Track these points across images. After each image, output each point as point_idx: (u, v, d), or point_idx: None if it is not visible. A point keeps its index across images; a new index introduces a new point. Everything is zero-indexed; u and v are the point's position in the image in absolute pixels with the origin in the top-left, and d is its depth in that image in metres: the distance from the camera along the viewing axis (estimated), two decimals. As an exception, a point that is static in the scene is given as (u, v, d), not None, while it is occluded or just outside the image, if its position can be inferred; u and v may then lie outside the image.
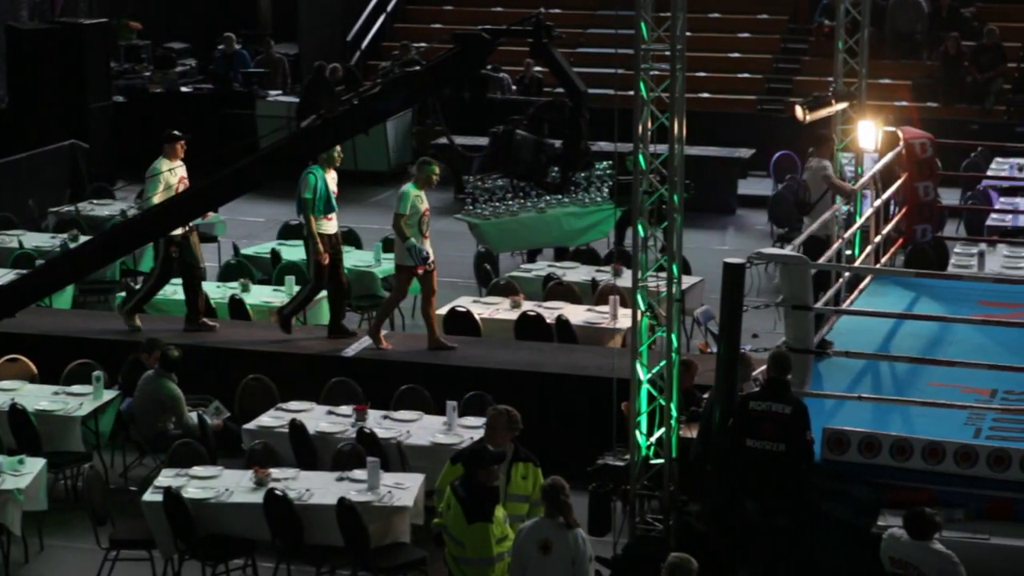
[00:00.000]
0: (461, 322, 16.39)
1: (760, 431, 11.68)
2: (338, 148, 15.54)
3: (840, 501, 11.73)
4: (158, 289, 16.20)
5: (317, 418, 13.98)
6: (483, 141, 16.55)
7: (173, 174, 15.72)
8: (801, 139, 22.74)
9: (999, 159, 22.95)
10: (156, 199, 15.57)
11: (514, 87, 26.73)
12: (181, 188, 15.80)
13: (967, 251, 18.28)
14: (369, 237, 20.06)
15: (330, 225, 15.57)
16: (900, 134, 17.18)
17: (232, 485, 12.65)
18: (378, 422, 13.85)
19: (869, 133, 16.95)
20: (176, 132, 15.95)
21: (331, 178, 15.47)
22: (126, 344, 15.46)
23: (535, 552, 10.39)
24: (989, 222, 20.02)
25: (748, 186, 24.55)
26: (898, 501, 11.40)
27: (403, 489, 12.48)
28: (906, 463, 11.68)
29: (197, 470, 12.90)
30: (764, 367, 12.28)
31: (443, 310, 16.69)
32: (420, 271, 15.10)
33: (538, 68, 25.52)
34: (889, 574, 10.85)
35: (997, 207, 20.72)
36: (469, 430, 13.49)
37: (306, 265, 15.85)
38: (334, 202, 15.55)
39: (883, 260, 16.19)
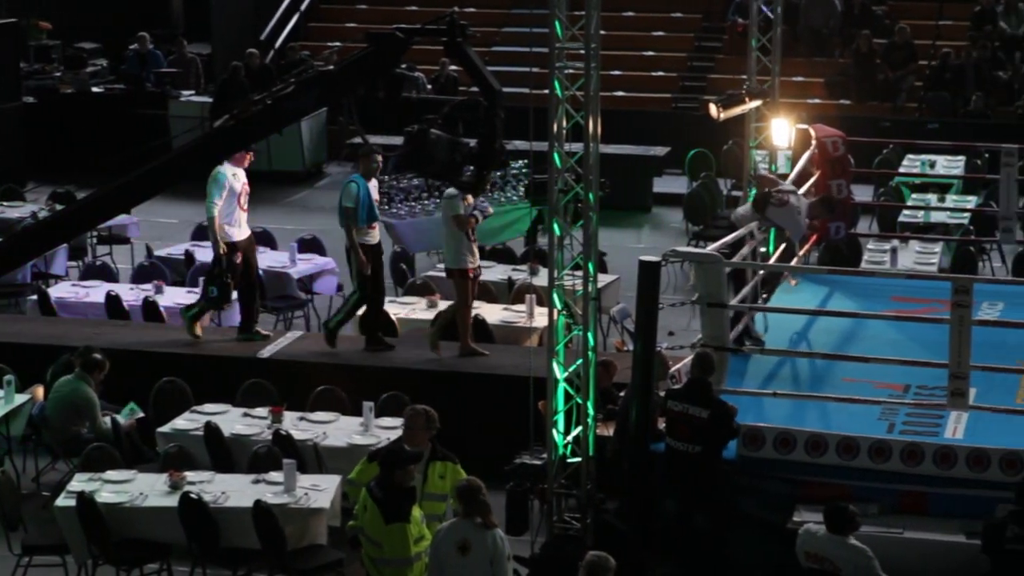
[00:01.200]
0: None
1: (677, 432, 11.74)
2: (379, 159, 15.30)
3: (756, 497, 11.80)
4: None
5: (232, 420, 13.87)
6: (398, 140, 16.48)
7: (236, 179, 15.43)
8: (716, 137, 22.94)
9: (911, 156, 23.15)
10: (217, 205, 15.27)
11: (429, 86, 26.67)
12: (244, 195, 15.47)
13: (880, 248, 18.44)
14: (284, 238, 19.95)
15: (373, 235, 15.30)
16: (812, 132, 17.30)
17: (146, 489, 12.52)
18: (294, 424, 13.76)
19: (782, 131, 17.06)
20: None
21: (372, 187, 15.22)
22: (39, 348, 15.31)
23: (453, 552, 10.37)
24: (901, 218, 20.20)
25: (663, 184, 24.64)
26: (813, 497, 11.48)
27: (320, 491, 12.40)
28: (821, 459, 11.77)
29: (111, 474, 12.76)
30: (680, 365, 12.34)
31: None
32: (471, 275, 14.95)
33: (453, 67, 25.48)
34: (805, 569, 10.91)
35: (909, 204, 20.91)
36: (386, 430, 13.43)
37: (352, 275, 15.45)
38: (376, 211, 15.34)
39: (795, 257, 16.26)
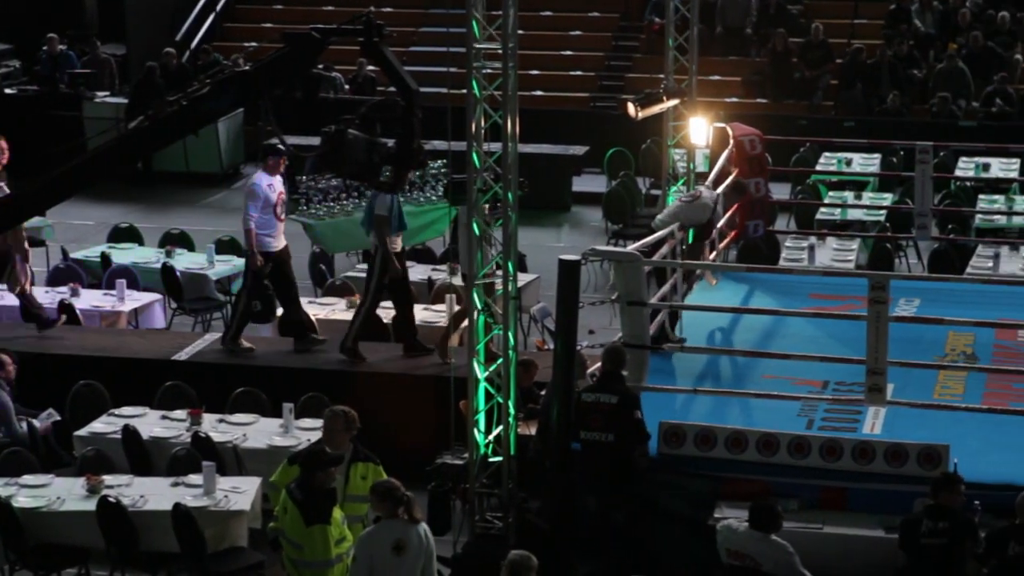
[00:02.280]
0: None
1: (590, 423, 11.78)
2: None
3: (677, 494, 11.84)
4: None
5: (151, 423, 13.77)
6: (315, 141, 16.39)
7: (272, 189, 15.21)
8: (634, 136, 23.02)
9: (827, 154, 23.33)
10: (253, 217, 14.99)
11: (347, 86, 26.60)
12: (280, 204, 15.24)
13: (798, 245, 18.57)
14: (202, 239, 19.82)
15: (398, 244, 15.18)
16: (730, 131, 17.39)
17: (64, 493, 12.41)
18: (213, 426, 13.68)
19: (700, 129, 17.13)
20: (276, 145, 15.37)
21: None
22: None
23: (388, 554, 10.25)
24: (819, 216, 20.35)
25: (582, 183, 24.67)
26: (734, 493, 11.53)
27: (240, 493, 12.34)
28: (741, 455, 11.83)
29: (27, 479, 12.64)
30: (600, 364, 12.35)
31: (279, 311, 16.52)
32: None
33: (371, 67, 25.41)
34: (726, 566, 10.96)
35: (826, 201, 21.07)
36: (306, 432, 13.38)
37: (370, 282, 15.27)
38: (405, 220, 15.25)
39: (714, 255, 16.33)
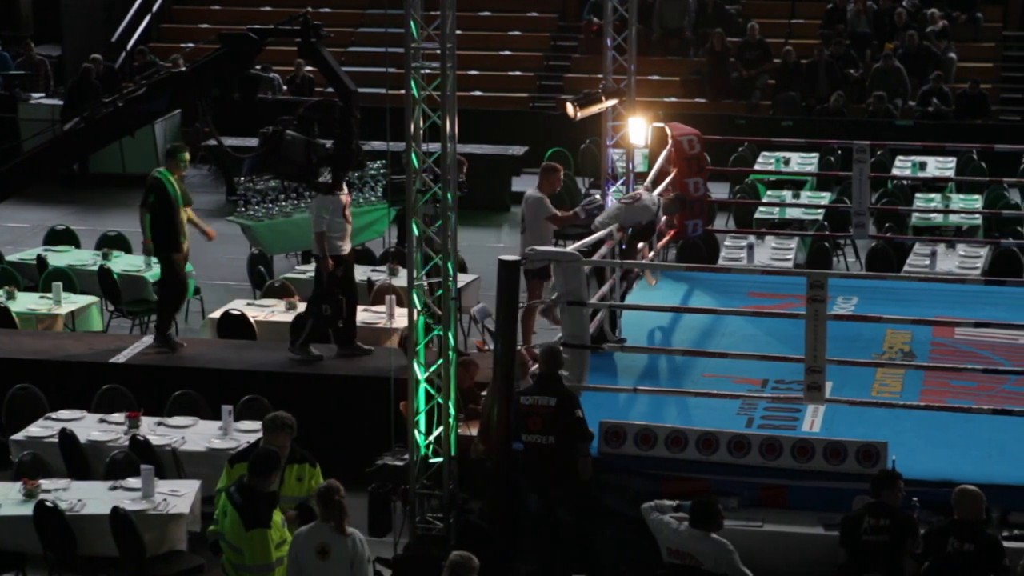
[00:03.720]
0: (236, 325, 16.17)
1: (530, 425, 11.78)
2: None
3: (618, 493, 11.85)
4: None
5: (88, 427, 13.66)
6: (253, 142, 16.35)
7: (342, 192, 14.92)
8: (573, 136, 23.05)
9: (765, 153, 23.43)
10: (326, 220, 14.70)
11: (285, 87, 26.51)
12: (348, 208, 14.99)
13: (736, 244, 18.64)
14: (139, 241, 19.62)
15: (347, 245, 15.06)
16: (669, 130, 17.42)
17: (0, 498, 12.29)
18: (152, 429, 13.59)
19: (639, 129, 17.15)
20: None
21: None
22: None
23: (313, 557, 10.30)
24: (757, 215, 20.44)
25: (522, 183, 24.59)
26: (675, 492, 11.54)
27: (179, 496, 12.26)
28: (681, 454, 11.85)
29: (-37, 484, 12.53)
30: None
31: (216, 313, 16.46)
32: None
33: (309, 68, 25.33)
34: (667, 564, 10.98)
35: (765, 200, 21.16)
36: (245, 434, 13.31)
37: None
38: None
39: (652, 255, 16.35)
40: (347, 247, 15.11)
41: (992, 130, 24.70)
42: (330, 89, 15.16)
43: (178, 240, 15.19)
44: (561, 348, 12.48)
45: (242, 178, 19.50)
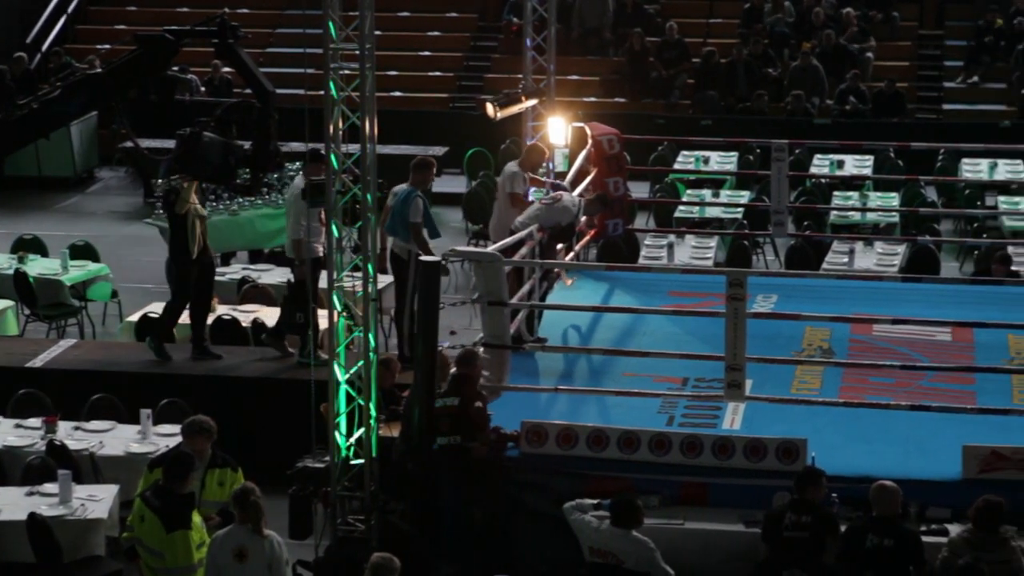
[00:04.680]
0: (154, 328, 16.01)
1: (441, 427, 11.80)
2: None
3: (539, 493, 11.85)
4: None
5: (4, 432, 13.53)
6: (171, 144, 16.23)
7: None
8: (494, 136, 23.04)
9: (685, 152, 23.53)
10: (304, 226, 14.56)
11: (203, 88, 26.34)
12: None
13: (657, 243, 18.70)
14: (55, 244, 19.47)
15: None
16: (588, 130, 17.45)
17: (-86, 505, 12.15)
18: (69, 433, 13.46)
19: (559, 129, 17.17)
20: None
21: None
22: None
23: (231, 560, 10.26)
24: (677, 214, 20.51)
25: (442, 184, 24.56)
26: (596, 491, 11.55)
27: (96, 501, 12.16)
28: (603, 453, 11.87)
29: None
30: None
31: (135, 316, 16.33)
32: None
33: (227, 69, 25.19)
34: (589, 563, 10.99)
35: (684, 199, 21.24)
36: (165, 438, 13.21)
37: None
38: (436, 226, 14.95)
39: (570, 255, 16.36)
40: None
41: (908, 128, 24.90)
42: (248, 90, 15.07)
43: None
44: (479, 350, 12.49)
45: (160, 180, 19.32)
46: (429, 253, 13.91)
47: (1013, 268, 16.26)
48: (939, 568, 10.63)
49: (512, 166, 15.79)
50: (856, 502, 11.06)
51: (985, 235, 19.73)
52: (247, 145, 14.67)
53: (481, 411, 11.87)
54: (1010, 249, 17.07)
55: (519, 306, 13.95)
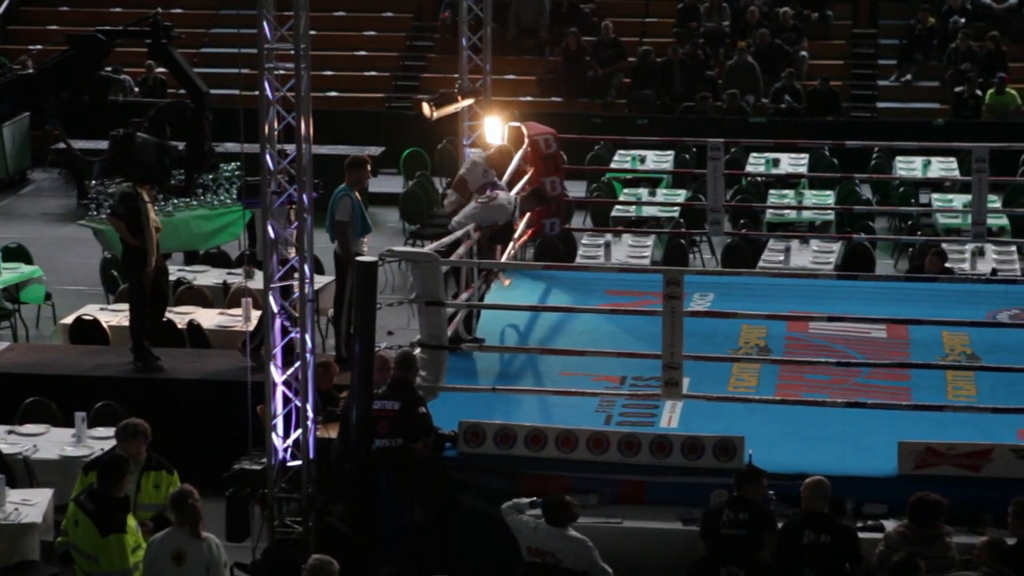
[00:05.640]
0: (88, 330, 15.92)
1: (379, 429, 11.78)
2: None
3: (477, 493, 11.85)
4: None
5: (-64, 437, 13.38)
6: (104, 145, 16.12)
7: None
8: (430, 136, 23.01)
9: (621, 151, 23.57)
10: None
11: (136, 89, 26.18)
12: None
13: (594, 242, 18.73)
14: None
15: (364, 247, 14.68)
16: (525, 130, 17.45)
17: None
18: (2, 437, 13.33)
19: (495, 129, 17.17)
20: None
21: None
22: None
23: (168, 563, 10.20)
24: (614, 213, 20.54)
25: (379, 184, 24.47)
26: (535, 491, 11.55)
27: (30, 505, 12.04)
28: (541, 452, 11.88)
29: None
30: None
31: (69, 319, 16.20)
32: None
33: (160, 69, 25.04)
34: (527, 563, 10.98)
35: (621, 199, 21.27)
36: (99, 441, 13.10)
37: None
38: (369, 223, 14.79)
39: (505, 256, 16.35)
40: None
41: (843, 127, 25.05)
42: (182, 91, 14.98)
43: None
44: (415, 352, 12.47)
45: (93, 182, 19.20)
46: (350, 254, 13.88)
47: (947, 265, 16.38)
48: (876, 562, 10.70)
49: (477, 154, 15.73)
50: (793, 499, 11.11)
51: (919, 232, 19.85)
52: (181, 146, 14.57)
53: (425, 419, 11.83)
54: (944, 246, 17.19)
55: (456, 306, 13.94)
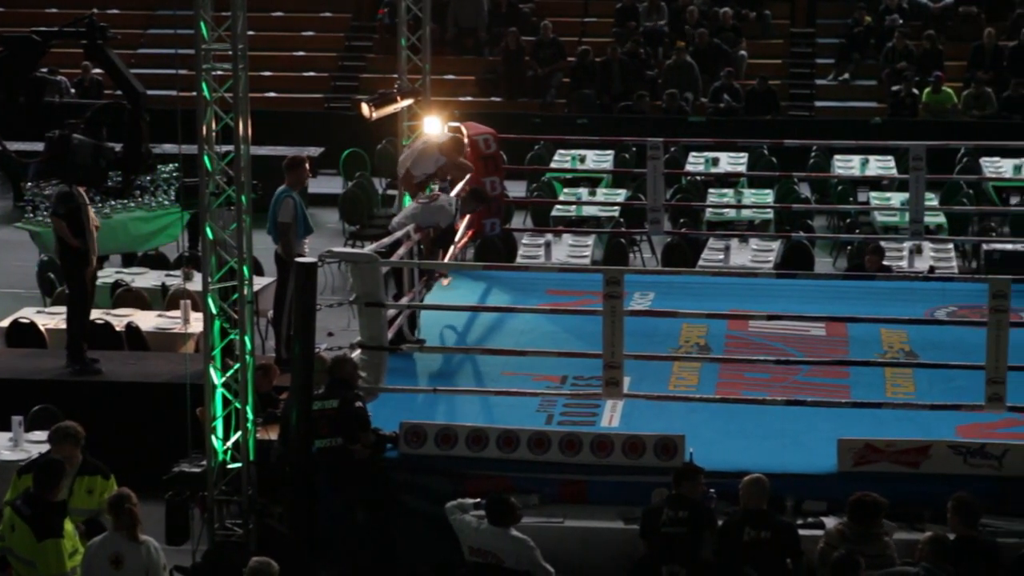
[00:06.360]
0: (25, 334, 15.78)
1: (320, 430, 11.75)
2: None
3: (419, 494, 11.83)
4: None
5: None
6: (40, 147, 16.00)
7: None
8: (370, 136, 22.95)
9: (561, 151, 23.59)
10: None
11: (72, 90, 26.02)
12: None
13: (534, 242, 18.74)
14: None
15: (305, 248, 14.52)
16: (464, 130, 17.44)
17: None
18: (-61, 442, 13.21)
19: (434, 129, 17.13)
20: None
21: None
22: None
23: (107, 567, 10.13)
24: (554, 213, 20.56)
25: (318, 184, 24.37)
26: (477, 491, 11.54)
27: (-34, 511, 11.92)
28: (482, 452, 11.87)
29: None
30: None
31: (5, 322, 16.06)
32: None
33: (97, 70, 24.89)
34: (469, 563, 10.97)
35: (561, 198, 21.29)
36: (37, 445, 12.98)
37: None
38: (311, 224, 14.64)
39: (448, 256, 16.34)
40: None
41: (781, 125, 25.14)
42: (119, 92, 14.88)
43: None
44: (353, 354, 12.45)
45: (29, 184, 19.06)
46: (292, 255, 13.82)
47: (885, 263, 16.47)
48: (817, 559, 10.74)
49: (423, 143, 15.74)
50: (734, 497, 11.13)
51: (858, 231, 19.97)
52: (118, 147, 14.47)
53: (362, 412, 11.83)
54: (882, 244, 17.28)
55: (395, 306, 13.92)
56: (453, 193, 15.91)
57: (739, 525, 10.81)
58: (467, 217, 16.77)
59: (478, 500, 11.22)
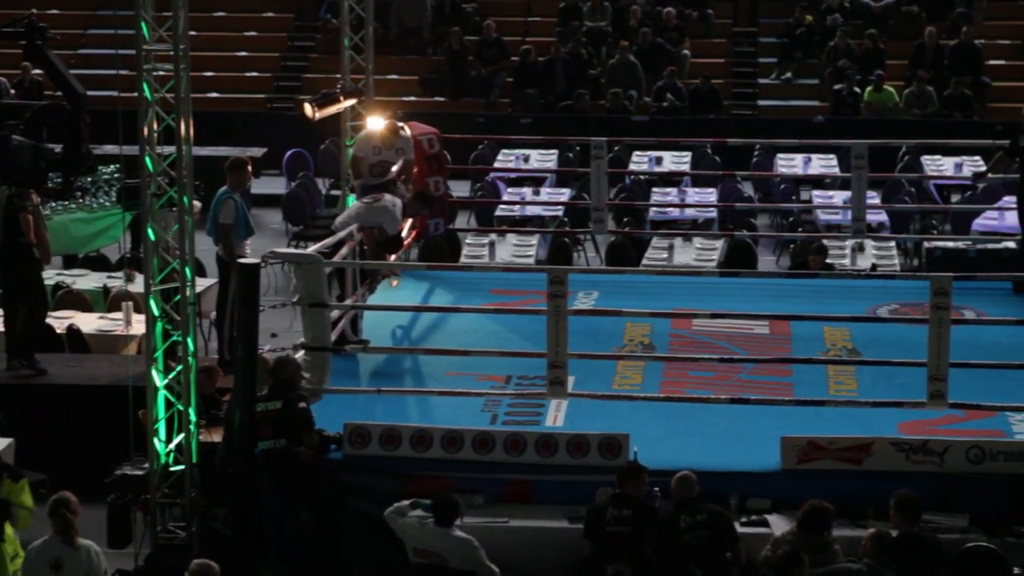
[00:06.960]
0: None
1: (263, 432, 11.71)
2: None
3: (364, 494, 11.80)
4: None
5: None
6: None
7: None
8: (313, 137, 22.89)
9: (505, 151, 23.59)
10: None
11: (12, 91, 25.82)
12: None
13: (478, 242, 18.73)
14: None
15: (247, 249, 14.36)
16: (408, 130, 17.39)
17: None
18: None
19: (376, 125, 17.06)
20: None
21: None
22: None
23: (47, 571, 10.08)
24: (498, 213, 20.56)
25: (261, 185, 24.33)
26: (421, 491, 11.53)
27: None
28: (426, 453, 11.85)
29: None
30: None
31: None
32: None
33: (36, 71, 24.70)
34: (413, 564, 10.96)
35: (505, 198, 21.29)
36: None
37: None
38: (253, 225, 14.48)
39: (394, 256, 16.31)
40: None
41: (724, 124, 25.25)
42: (59, 92, 14.78)
43: None
44: (296, 355, 12.41)
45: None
46: (234, 256, 13.77)
47: (828, 261, 16.55)
48: (761, 562, 10.77)
49: (365, 132, 15.88)
50: (676, 495, 11.17)
51: (800, 229, 20.05)
52: (58, 148, 14.38)
53: (305, 413, 11.80)
54: (825, 242, 17.36)
55: (339, 307, 13.88)
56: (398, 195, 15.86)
57: (674, 516, 10.88)
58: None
59: (413, 501, 11.20)
